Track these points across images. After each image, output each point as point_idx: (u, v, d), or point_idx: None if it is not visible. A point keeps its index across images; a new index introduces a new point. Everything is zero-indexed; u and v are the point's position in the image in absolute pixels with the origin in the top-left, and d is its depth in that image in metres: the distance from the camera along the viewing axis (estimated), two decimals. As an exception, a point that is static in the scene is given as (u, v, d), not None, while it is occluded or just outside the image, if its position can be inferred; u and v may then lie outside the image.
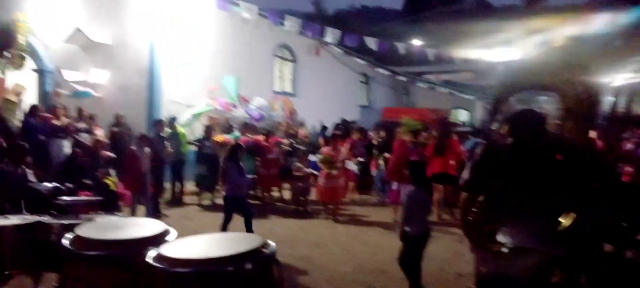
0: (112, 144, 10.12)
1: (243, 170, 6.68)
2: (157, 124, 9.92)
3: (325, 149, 9.10)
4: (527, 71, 3.34)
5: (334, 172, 8.63)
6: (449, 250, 6.41)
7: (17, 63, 12.10)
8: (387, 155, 9.74)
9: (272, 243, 2.76)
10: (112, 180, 8.21)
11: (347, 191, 9.93)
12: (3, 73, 12.64)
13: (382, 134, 11.76)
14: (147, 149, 8.31)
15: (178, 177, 10.00)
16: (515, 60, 3.43)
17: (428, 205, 4.91)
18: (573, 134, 2.86)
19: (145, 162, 8.18)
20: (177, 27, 12.24)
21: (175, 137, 10.04)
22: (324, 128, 15.12)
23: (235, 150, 6.73)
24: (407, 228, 4.55)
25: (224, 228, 6.34)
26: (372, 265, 5.91)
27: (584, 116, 2.91)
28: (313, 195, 9.52)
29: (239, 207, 6.50)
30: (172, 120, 10.46)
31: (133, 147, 8.32)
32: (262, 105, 13.98)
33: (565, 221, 2.56)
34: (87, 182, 8.41)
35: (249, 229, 6.29)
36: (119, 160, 8.74)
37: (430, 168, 8.45)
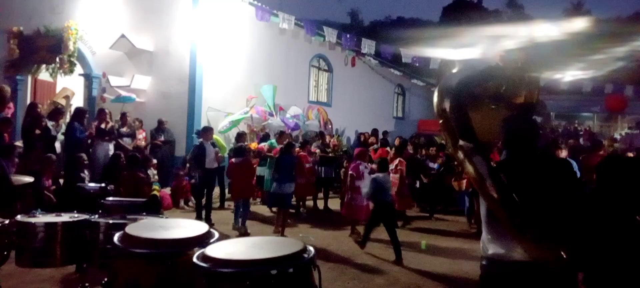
0: (152, 149, 10.43)
1: None
2: (207, 131, 8.99)
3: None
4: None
5: None
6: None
7: (67, 68, 12.63)
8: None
9: (311, 249, 2.80)
10: (156, 188, 8.46)
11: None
12: (53, 77, 13.24)
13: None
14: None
15: (219, 182, 10.13)
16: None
17: None
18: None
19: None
20: (217, 36, 12.54)
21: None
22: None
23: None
24: None
25: None
26: (406, 279, 5.88)
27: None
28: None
29: None
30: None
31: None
32: (297, 114, 14.15)
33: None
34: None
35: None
36: (162, 166, 8.93)
37: None
